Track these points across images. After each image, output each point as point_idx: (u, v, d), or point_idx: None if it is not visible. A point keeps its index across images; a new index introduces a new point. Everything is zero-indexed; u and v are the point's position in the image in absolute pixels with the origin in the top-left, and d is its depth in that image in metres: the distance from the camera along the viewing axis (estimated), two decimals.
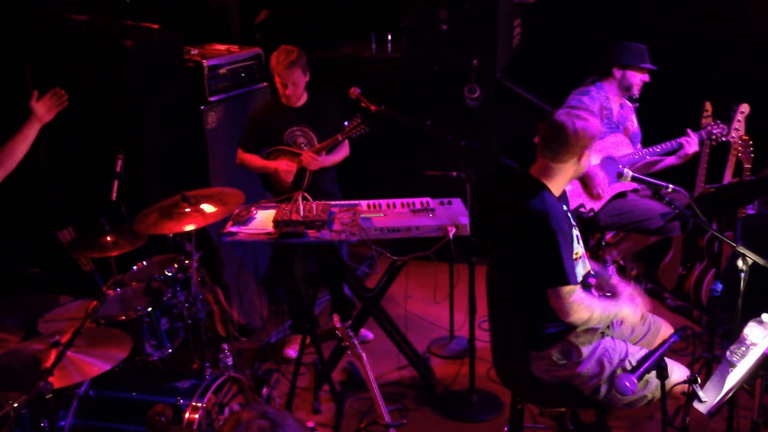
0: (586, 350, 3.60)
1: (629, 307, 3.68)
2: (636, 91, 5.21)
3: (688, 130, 5.09)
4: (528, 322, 3.62)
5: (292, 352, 5.36)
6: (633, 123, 5.43)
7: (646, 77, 5.18)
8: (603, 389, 3.57)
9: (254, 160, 5.28)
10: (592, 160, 5.15)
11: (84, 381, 3.69)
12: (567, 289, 3.46)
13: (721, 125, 5.06)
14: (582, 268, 3.68)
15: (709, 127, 5.08)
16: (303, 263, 5.28)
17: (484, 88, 6.22)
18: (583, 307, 3.50)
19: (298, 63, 5.10)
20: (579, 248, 3.65)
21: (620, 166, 5.09)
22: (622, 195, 5.32)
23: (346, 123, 5.02)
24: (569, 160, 3.56)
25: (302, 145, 5.21)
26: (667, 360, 3.54)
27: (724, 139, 5.09)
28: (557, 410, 4.08)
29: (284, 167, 5.17)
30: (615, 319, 3.69)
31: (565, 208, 3.66)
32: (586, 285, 3.71)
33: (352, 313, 5.41)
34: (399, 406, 4.81)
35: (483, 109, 6.29)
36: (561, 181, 3.63)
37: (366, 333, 5.50)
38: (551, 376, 3.66)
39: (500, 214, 3.76)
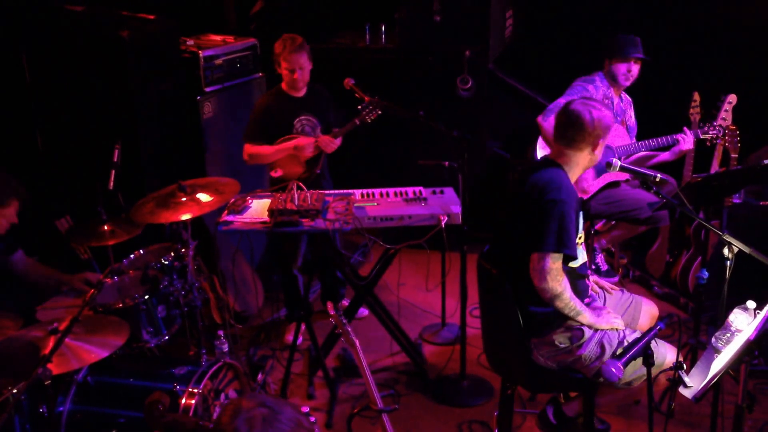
0: (587, 332, 3.65)
1: (590, 317, 3.67)
2: (622, 81, 5.24)
3: (685, 129, 5.14)
4: (526, 309, 3.66)
5: (292, 338, 5.42)
6: (630, 117, 5.48)
7: (632, 67, 5.22)
8: None
9: (266, 148, 5.21)
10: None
11: (82, 367, 3.73)
12: (555, 256, 3.51)
13: (717, 127, 5.11)
14: (581, 254, 3.74)
15: (706, 127, 5.14)
16: (301, 252, 5.33)
17: (476, 79, 6.24)
18: (561, 279, 3.54)
19: (304, 48, 5.12)
20: (582, 234, 3.71)
21: (614, 157, 5.15)
22: (614, 185, 5.37)
23: (360, 107, 5.07)
24: (584, 149, 3.63)
25: (309, 133, 5.25)
26: (662, 343, 3.62)
27: (717, 141, 5.16)
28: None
29: (304, 141, 5.15)
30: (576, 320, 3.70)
31: None
32: (582, 270, 3.77)
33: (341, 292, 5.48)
34: (391, 391, 4.88)
35: (475, 99, 6.31)
36: (575, 169, 3.69)
37: (361, 309, 5.56)
38: (553, 362, 3.71)
39: (511, 190, 3.80)
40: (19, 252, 4.48)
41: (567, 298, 3.58)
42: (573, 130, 3.61)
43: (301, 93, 5.28)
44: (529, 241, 3.57)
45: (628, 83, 5.30)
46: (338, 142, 5.22)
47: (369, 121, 5.03)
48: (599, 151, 3.67)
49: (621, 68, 5.22)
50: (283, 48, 5.10)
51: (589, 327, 3.67)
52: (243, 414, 2.22)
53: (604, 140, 3.65)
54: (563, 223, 3.51)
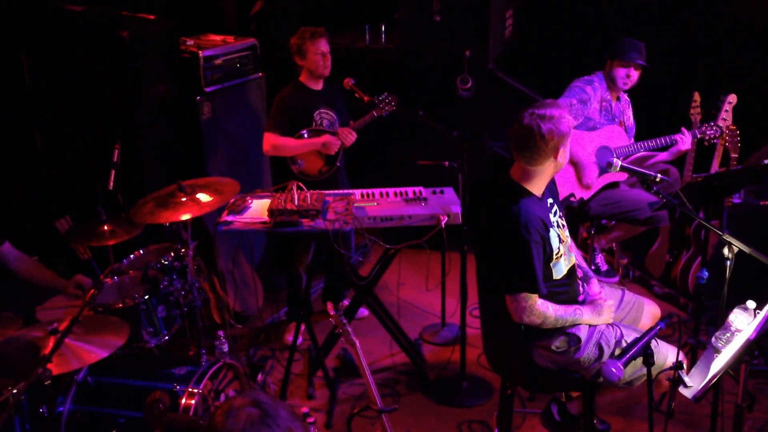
0: (583, 336, 3.63)
1: (589, 316, 3.67)
2: (620, 85, 5.26)
3: (683, 129, 5.15)
4: None
5: (292, 338, 5.42)
6: (629, 118, 5.49)
7: (631, 72, 5.22)
8: None
9: (292, 141, 5.26)
10: (587, 148, 5.21)
11: (82, 368, 3.73)
12: (525, 295, 3.49)
13: (715, 127, 5.12)
14: (565, 262, 3.68)
15: (704, 127, 5.15)
16: (311, 251, 5.34)
17: (476, 79, 6.24)
18: (537, 313, 3.52)
19: (326, 35, 5.24)
20: (561, 246, 3.64)
21: (613, 157, 5.15)
22: (614, 185, 5.38)
23: (376, 100, 5.09)
24: (545, 162, 3.54)
25: (326, 127, 5.30)
26: (662, 344, 3.62)
27: (716, 141, 5.16)
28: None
29: (332, 139, 5.22)
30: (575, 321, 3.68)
31: (551, 201, 3.68)
32: (570, 277, 3.74)
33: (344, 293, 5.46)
34: (391, 391, 4.88)
35: (475, 99, 6.31)
36: (541, 181, 3.63)
37: (361, 309, 5.57)
38: (553, 363, 3.69)
39: (483, 217, 3.78)
40: (5, 244, 4.45)
41: (552, 321, 3.58)
42: (528, 149, 3.51)
43: (320, 86, 5.36)
44: (499, 279, 3.57)
45: (626, 88, 5.32)
46: (354, 134, 5.27)
47: (385, 114, 5.06)
48: (563, 157, 3.56)
49: (620, 72, 5.24)
50: (309, 36, 5.19)
51: (591, 324, 3.67)
52: (235, 413, 2.21)
53: (564, 146, 3.54)
54: (528, 258, 3.47)
